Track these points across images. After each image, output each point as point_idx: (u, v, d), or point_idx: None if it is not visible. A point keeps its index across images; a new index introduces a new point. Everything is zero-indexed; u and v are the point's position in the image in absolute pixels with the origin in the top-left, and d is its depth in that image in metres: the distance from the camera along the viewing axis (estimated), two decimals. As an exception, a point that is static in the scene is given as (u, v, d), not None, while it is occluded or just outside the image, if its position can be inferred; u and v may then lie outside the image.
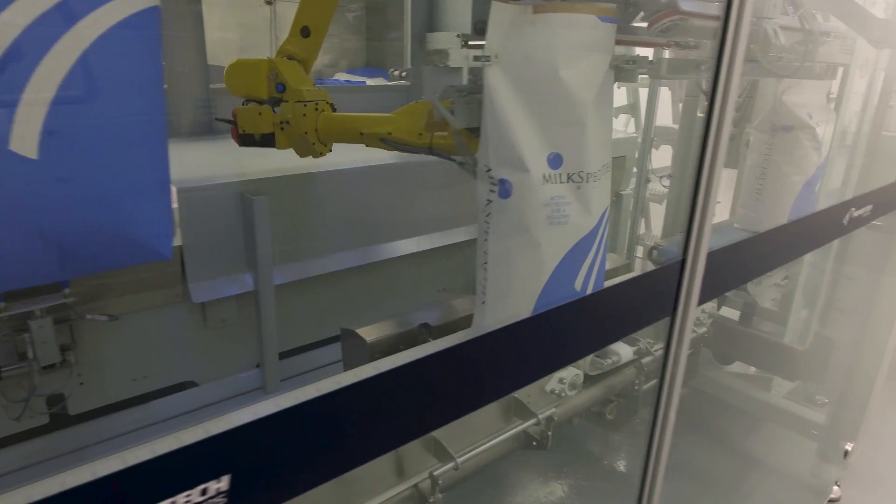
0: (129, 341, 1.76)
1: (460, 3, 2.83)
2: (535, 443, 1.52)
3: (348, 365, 1.69)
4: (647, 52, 1.45)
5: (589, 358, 1.66)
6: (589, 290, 1.04)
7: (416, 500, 1.34)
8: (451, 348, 0.67)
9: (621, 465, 2.51)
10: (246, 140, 1.71)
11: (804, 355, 2.39)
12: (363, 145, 1.65)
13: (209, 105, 2.40)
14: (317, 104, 1.68)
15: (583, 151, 1.30)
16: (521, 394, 1.50)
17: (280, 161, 2.08)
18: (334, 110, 1.74)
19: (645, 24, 1.30)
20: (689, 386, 2.75)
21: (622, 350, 1.73)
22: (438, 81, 1.56)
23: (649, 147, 3.25)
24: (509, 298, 1.32)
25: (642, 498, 0.90)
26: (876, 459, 2.77)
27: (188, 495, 0.56)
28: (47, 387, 1.60)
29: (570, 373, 1.56)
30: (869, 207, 1.31)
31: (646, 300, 0.78)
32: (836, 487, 2.48)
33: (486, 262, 1.39)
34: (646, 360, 1.95)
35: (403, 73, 3.00)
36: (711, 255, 0.81)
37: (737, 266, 0.95)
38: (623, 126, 4.50)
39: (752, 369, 2.87)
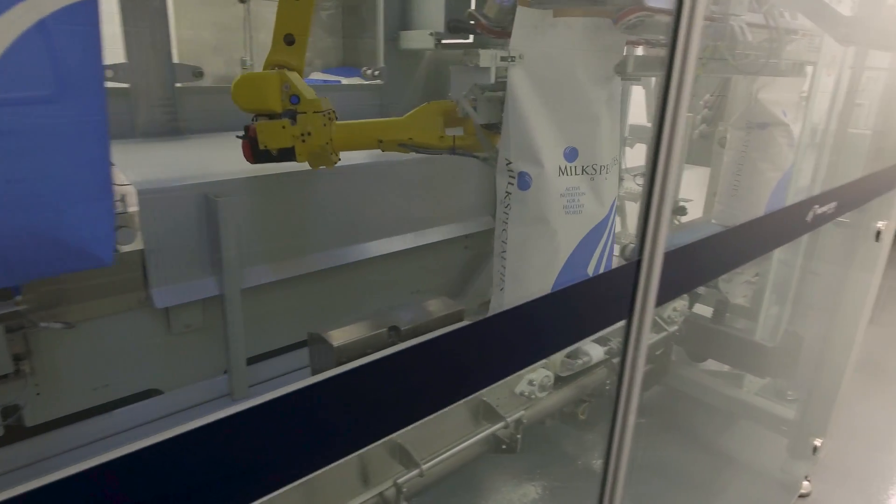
0: (88, 349, 1.70)
1: (433, 2, 2.82)
2: (504, 446, 1.50)
3: (316, 370, 1.65)
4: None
5: (559, 359, 1.65)
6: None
7: (382, 508, 1.31)
8: (387, 357, 0.65)
9: (595, 465, 2.51)
10: (261, 156, 1.66)
11: (774, 352, 2.41)
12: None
13: (175, 105, 2.34)
14: (328, 113, 1.67)
15: (597, 145, 1.39)
16: (490, 397, 1.48)
17: (245, 163, 2.04)
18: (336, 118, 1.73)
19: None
20: (663, 384, 2.77)
21: (593, 350, 1.72)
22: (464, 80, 1.60)
23: (623, 146, 3.26)
24: (527, 283, 1.43)
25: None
26: (846, 454, 2.81)
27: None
28: (1, 398, 1.54)
29: (539, 374, 1.54)
30: (833, 204, 1.31)
31: (600, 303, 0.76)
32: (806, 482, 2.51)
33: (504, 251, 1.48)
34: (617, 359, 1.93)
35: (377, 73, 2.97)
36: (669, 255, 0.79)
37: (696, 265, 0.93)
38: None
39: (726, 366, 2.90)
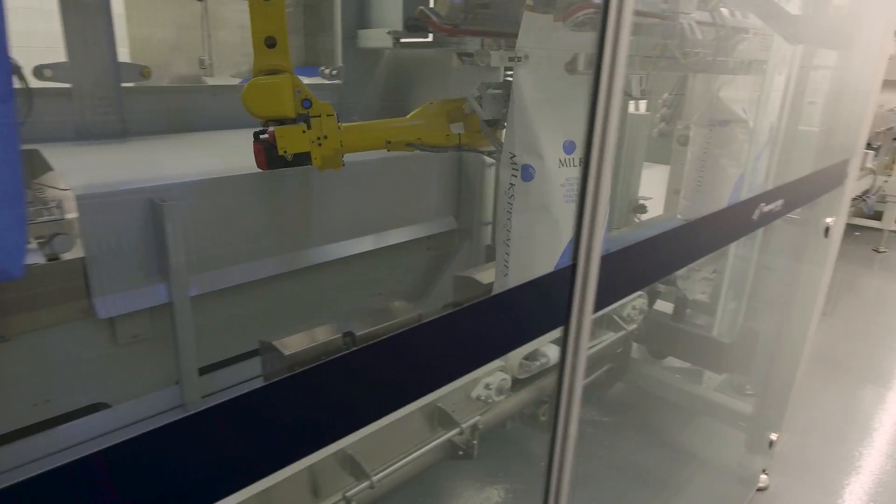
0: (26, 363, 1.62)
1: (391, 0, 2.78)
2: (461, 452, 1.47)
3: (268, 379, 1.60)
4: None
5: (517, 361, 1.64)
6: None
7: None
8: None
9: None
10: (276, 161, 1.64)
11: (730, 348, 2.44)
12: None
13: (121, 105, 2.25)
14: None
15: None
16: (445, 402, 1.45)
17: (194, 165, 1.98)
18: None
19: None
20: (626, 381, 2.78)
21: (550, 351, 1.71)
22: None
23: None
24: (531, 268, 1.53)
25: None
26: (804, 446, 2.87)
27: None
28: (-67, 417, 1.45)
29: (496, 378, 1.52)
30: (780, 202, 1.32)
31: (535, 310, 0.73)
32: (763, 476, 2.55)
33: (508, 239, 1.58)
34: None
35: (335, 72, 2.92)
36: (606, 259, 0.77)
37: (636, 268, 0.91)
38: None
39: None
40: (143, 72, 2.29)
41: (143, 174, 1.81)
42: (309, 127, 1.64)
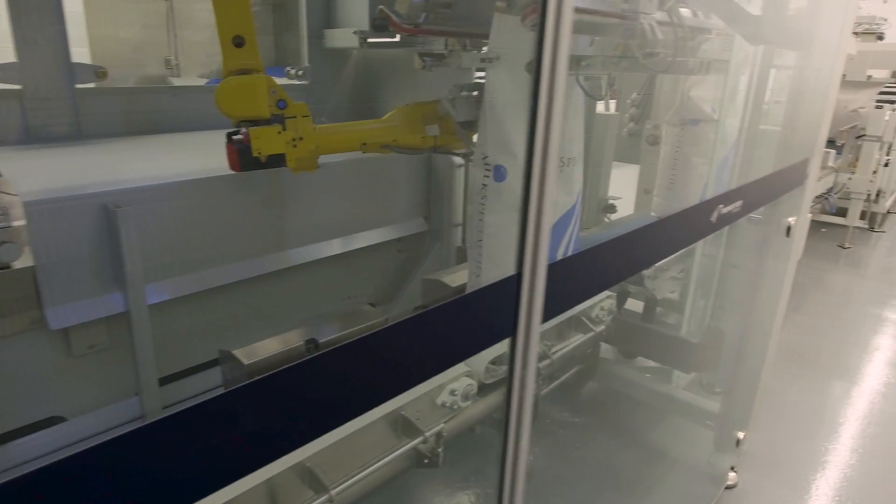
0: (-27, 377, 1.56)
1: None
2: (426, 461, 1.45)
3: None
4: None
5: (483, 366, 1.62)
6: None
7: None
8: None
9: (532, 465, 2.50)
10: (249, 163, 1.59)
11: (698, 347, 2.47)
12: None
13: (75, 107, 2.17)
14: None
15: (563, 139, 1.51)
16: (409, 410, 1.43)
17: (152, 169, 1.92)
18: None
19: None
20: (597, 381, 2.79)
21: (518, 355, 1.69)
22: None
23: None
24: (504, 268, 1.54)
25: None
26: (773, 443, 2.91)
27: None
28: None
29: (461, 383, 1.50)
30: (738, 203, 1.32)
31: (479, 322, 0.71)
32: (732, 474, 2.58)
33: (480, 239, 1.59)
34: (543, 363, 1.94)
35: (300, 72, 2.87)
36: (553, 267, 0.75)
37: (586, 275, 0.90)
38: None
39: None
40: (97, 72, 2.21)
41: (97, 178, 1.75)
42: (284, 128, 1.61)
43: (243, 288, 2.04)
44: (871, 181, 6.27)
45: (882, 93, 6.81)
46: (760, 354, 2.24)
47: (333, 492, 1.19)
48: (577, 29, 1.40)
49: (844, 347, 4.03)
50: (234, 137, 1.60)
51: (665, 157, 2.64)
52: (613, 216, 3.07)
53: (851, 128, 6.52)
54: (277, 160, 1.63)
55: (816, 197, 6.14)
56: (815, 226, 6.74)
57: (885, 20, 6.94)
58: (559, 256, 1.36)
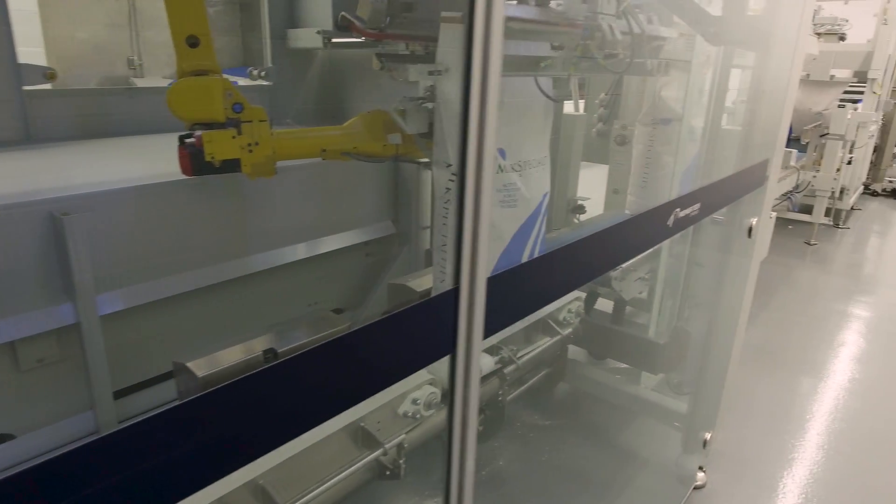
0: (-90, 396, 1.48)
1: (321, -1, 2.69)
2: (388, 472, 1.41)
3: (184, 402, 1.51)
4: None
5: (446, 374, 1.59)
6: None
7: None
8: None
9: (500, 471, 2.48)
10: (202, 168, 1.53)
11: (664, 348, 2.47)
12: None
13: (23, 110, 2.09)
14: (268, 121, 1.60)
15: (522, 146, 1.55)
16: (369, 421, 1.39)
17: (104, 174, 1.85)
18: None
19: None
20: (567, 382, 2.78)
21: (483, 360, 1.67)
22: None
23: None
24: None
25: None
26: (742, 441, 2.93)
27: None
28: None
29: (424, 392, 1.47)
30: (696, 206, 1.31)
31: (418, 339, 0.68)
32: (701, 474, 2.59)
33: (444, 245, 1.57)
34: (509, 369, 1.92)
35: (263, 73, 2.81)
36: (494, 280, 0.72)
37: (533, 287, 0.87)
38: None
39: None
40: (46, 74, 2.13)
41: (44, 184, 1.67)
42: (239, 132, 1.56)
43: (202, 296, 1.98)
44: (836, 179, 6.41)
45: (846, 92, 6.98)
46: (725, 355, 2.25)
47: (286, 510, 1.15)
48: (525, 36, 1.38)
49: (812, 343, 4.09)
50: (187, 140, 1.55)
51: (638, 157, 2.67)
52: (583, 217, 3.07)
53: (815, 126, 6.66)
54: (232, 165, 1.58)
55: (782, 195, 6.25)
56: (782, 223, 6.87)
57: (847, 21, 7.10)
58: (524, 259, 1.33)
